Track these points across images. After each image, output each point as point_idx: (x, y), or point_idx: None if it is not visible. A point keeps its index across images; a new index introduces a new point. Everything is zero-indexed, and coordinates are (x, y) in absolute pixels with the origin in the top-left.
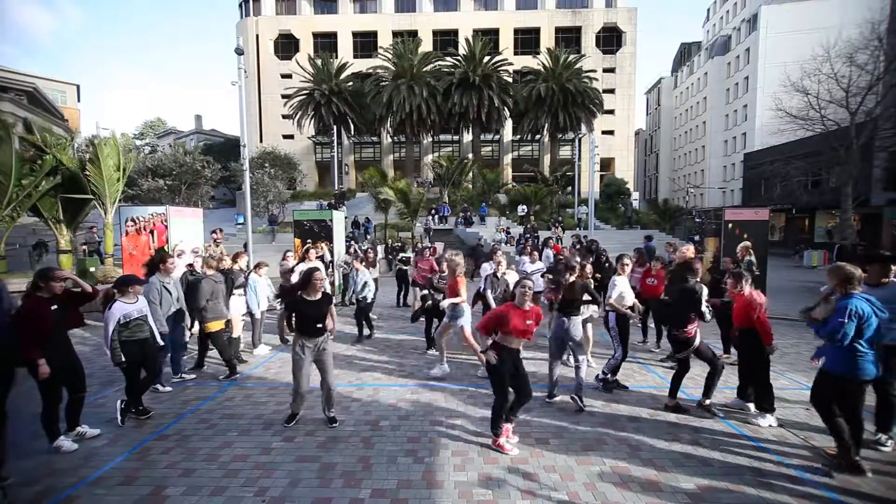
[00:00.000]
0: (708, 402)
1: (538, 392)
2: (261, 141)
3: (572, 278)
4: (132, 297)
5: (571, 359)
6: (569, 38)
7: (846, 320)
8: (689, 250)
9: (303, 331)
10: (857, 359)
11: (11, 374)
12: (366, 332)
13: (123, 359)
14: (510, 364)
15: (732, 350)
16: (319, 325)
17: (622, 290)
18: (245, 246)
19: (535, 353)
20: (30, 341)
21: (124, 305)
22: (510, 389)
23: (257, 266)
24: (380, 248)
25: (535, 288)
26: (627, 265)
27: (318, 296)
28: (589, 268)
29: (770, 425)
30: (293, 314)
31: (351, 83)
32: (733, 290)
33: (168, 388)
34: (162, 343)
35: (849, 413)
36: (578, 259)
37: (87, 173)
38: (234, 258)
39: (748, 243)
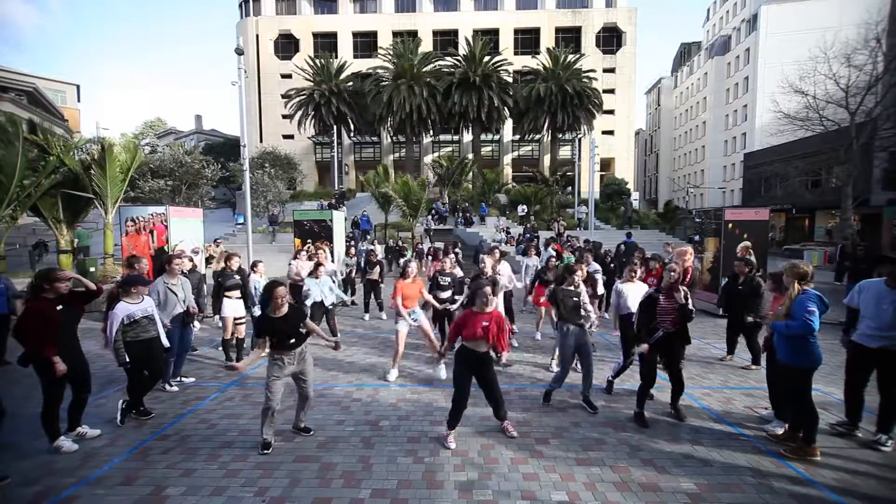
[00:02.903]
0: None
1: (537, 392)
2: (261, 141)
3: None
4: (136, 297)
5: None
6: (569, 38)
7: (816, 308)
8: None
9: (277, 347)
10: (809, 349)
11: None
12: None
13: (128, 359)
14: (473, 365)
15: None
16: (293, 340)
17: (631, 298)
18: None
19: (535, 355)
20: (44, 340)
21: (128, 306)
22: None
23: (254, 265)
24: (380, 248)
25: (529, 276)
26: (635, 273)
27: (284, 311)
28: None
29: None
30: (263, 335)
31: (351, 83)
32: (777, 293)
33: (174, 388)
34: (168, 344)
35: (798, 398)
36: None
37: (92, 173)
38: (227, 259)
39: (748, 243)
